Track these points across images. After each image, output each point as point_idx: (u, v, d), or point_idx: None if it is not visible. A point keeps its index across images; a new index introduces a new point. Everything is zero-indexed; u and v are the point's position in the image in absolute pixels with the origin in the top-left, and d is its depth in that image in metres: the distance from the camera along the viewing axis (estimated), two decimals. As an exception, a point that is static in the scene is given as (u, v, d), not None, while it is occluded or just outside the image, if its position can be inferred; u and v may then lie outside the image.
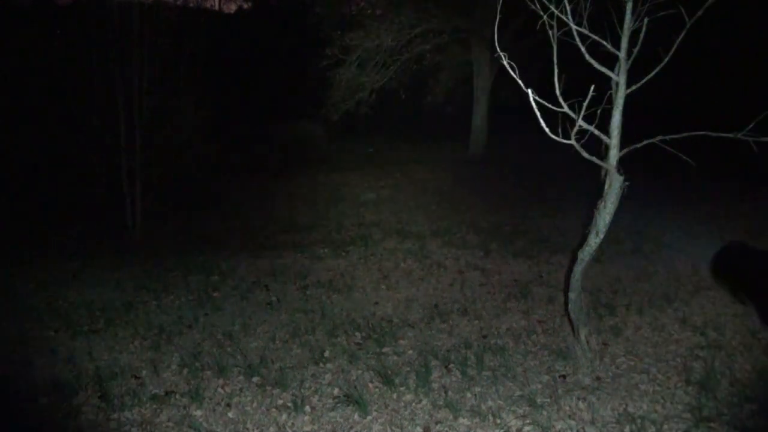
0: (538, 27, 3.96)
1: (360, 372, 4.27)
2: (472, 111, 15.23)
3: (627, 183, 4.02)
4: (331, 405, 3.85)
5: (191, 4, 12.64)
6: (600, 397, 3.84)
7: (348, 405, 3.83)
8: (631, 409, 3.67)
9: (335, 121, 14.81)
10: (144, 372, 4.32)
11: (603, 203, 4.07)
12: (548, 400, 3.82)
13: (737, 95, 10.93)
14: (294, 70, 16.26)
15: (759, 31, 11.58)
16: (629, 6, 3.83)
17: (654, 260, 6.59)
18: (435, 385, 4.05)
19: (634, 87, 3.97)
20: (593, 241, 4.18)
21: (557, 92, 3.87)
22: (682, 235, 7.43)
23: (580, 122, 3.88)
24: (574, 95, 3.88)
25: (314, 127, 15.81)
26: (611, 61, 3.98)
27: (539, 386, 4.01)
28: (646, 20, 3.84)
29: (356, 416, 3.71)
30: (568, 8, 3.84)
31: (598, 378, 4.09)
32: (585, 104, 3.81)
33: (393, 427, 3.59)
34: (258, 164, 13.50)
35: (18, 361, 4.50)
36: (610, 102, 4.01)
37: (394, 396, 3.93)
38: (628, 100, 3.99)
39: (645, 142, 4.07)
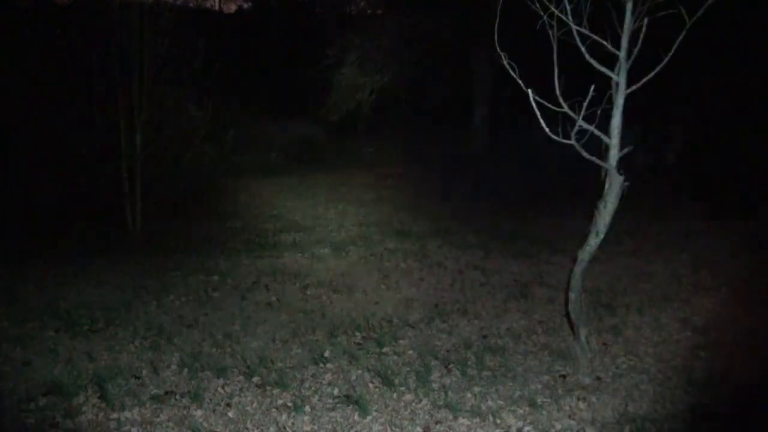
0: (538, 27, 3.97)
1: (360, 372, 4.27)
2: (472, 111, 15.23)
3: (627, 183, 4.02)
4: (331, 405, 3.85)
5: (191, 4, 12.65)
6: (600, 397, 3.84)
7: (348, 405, 3.83)
8: (631, 409, 3.67)
9: (335, 122, 14.81)
10: (144, 372, 4.31)
11: (603, 203, 4.08)
12: (548, 400, 3.82)
13: (737, 95, 10.92)
14: (294, 71, 16.25)
15: (759, 31, 11.56)
16: (629, 6, 3.83)
17: (654, 260, 6.59)
18: (435, 385, 4.05)
19: (634, 87, 3.97)
20: (593, 241, 4.18)
21: (557, 92, 3.87)
22: (681, 235, 7.44)
23: (580, 122, 3.88)
24: (574, 95, 3.89)
25: (314, 127, 15.81)
26: (611, 61, 3.98)
27: (539, 386, 4.01)
28: (646, 20, 3.84)
29: (356, 416, 3.71)
30: (568, 8, 3.84)
31: (598, 378, 4.09)
32: (585, 104, 3.81)
33: (393, 427, 3.59)
34: (258, 164, 13.50)
35: (18, 361, 4.49)
36: (610, 102, 4.01)
37: (394, 396, 3.93)
38: (628, 100, 3.99)
39: (644, 142, 4.07)
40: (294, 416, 3.73)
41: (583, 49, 3.93)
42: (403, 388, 4.01)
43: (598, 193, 4.12)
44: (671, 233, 7.57)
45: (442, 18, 13.79)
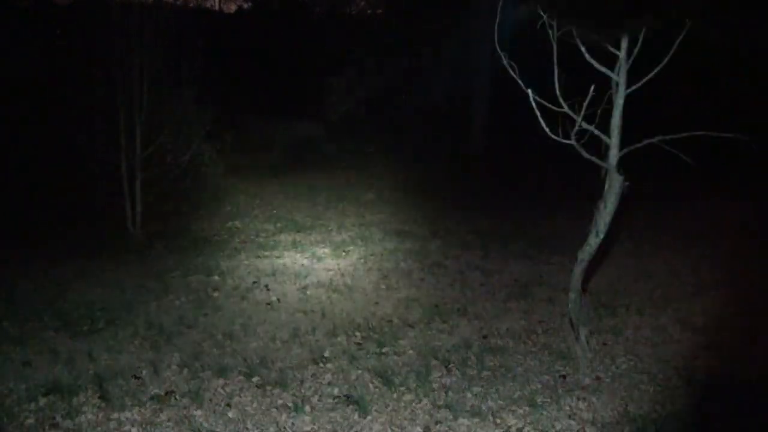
0: (538, 27, 3.97)
1: (360, 372, 4.27)
2: (472, 111, 15.23)
3: (627, 183, 4.02)
4: (331, 405, 3.85)
5: (191, 4, 12.65)
6: (600, 397, 3.84)
7: (348, 405, 3.83)
8: (631, 409, 3.67)
9: (335, 121, 14.81)
10: (144, 372, 4.31)
11: (603, 203, 4.07)
12: (548, 400, 3.82)
13: (737, 96, 10.92)
14: (294, 71, 16.25)
15: (759, 31, 11.57)
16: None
17: (654, 260, 6.59)
18: (435, 385, 4.05)
19: (634, 87, 3.97)
20: (593, 241, 4.18)
21: (557, 92, 3.87)
22: (680, 235, 7.43)
23: (580, 122, 3.88)
24: (574, 95, 3.89)
25: (314, 127, 15.81)
26: (611, 62, 3.98)
27: (539, 386, 4.01)
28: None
29: (356, 416, 3.71)
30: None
31: (598, 378, 4.09)
32: (585, 104, 3.82)
33: (393, 427, 3.59)
34: (258, 164, 13.49)
35: (18, 361, 4.49)
36: (610, 102, 4.01)
37: (394, 396, 3.93)
38: (628, 100, 3.99)
39: (645, 142, 4.07)
40: (294, 416, 3.73)
41: (583, 49, 3.93)
42: (403, 388, 4.01)
43: (598, 193, 4.12)
44: (671, 233, 7.57)
45: (443, 18, 13.79)
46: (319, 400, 3.90)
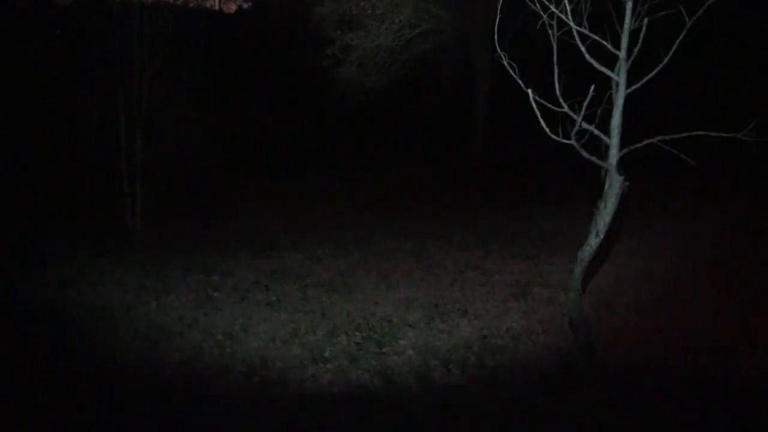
0: (538, 27, 3.97)
1: (360, 372, 4.27)
2: (472, 111, 15.21)
3: (627, 183, 4.02)
4: (331, 405, 3.85)
5: (191, 4, 12.63)
6: (601, 397, 3.83)
7: (348, 404, 3.82)
8: (633, 410, 3.67)
9: (335, 121, 14.80)
10: (145, 372, 4.31)
11: (603, 204, 4.07)
12: (549, 400, 3.82)
13: (738, 95, 10.92)
14: (294, 71, 16.25)
15: (759, 31, 11.57)
16: (629, 6, 3.82)
17: (654, 260, 6.58)
18: (435, 385, 4.05)
19: (634, 87, 3.96)
20: (593, 242, 4.17)
21: (557, 92, 3.87)
22: (680, 235, 7.43)
23: (580, 122, 3.88)
24: (574, 95, 3.88)
25: (314, 127, 15.80)
26: (611, 62, 3.98)
27: (540, 386, 4.01)
28: (646, 20, 3.84)
29: (356, 416, 3.71)
30: (568, 8, 3.84)
31: (598, 378, 4.09)
32: (585, 104, 3.81)
33: (393, 427, 3.59)
34: (258, 164, 13.48)
35: (17, 361, 4.49)
36: (610, 102, 4.01)
37: (394, 396, 3.93)
38: (628, 99, 3.99)
39: (645, 142, 4.07)
40: (294, 416, 3.73)
41: (583, 49, 3.93)
42: (403, 388, 4.01)
43: (598, 193, 4.12)
44: (671, 233, 7.56)
45: (442, 17, 13.78)
46: (319, 400, 3.90)
